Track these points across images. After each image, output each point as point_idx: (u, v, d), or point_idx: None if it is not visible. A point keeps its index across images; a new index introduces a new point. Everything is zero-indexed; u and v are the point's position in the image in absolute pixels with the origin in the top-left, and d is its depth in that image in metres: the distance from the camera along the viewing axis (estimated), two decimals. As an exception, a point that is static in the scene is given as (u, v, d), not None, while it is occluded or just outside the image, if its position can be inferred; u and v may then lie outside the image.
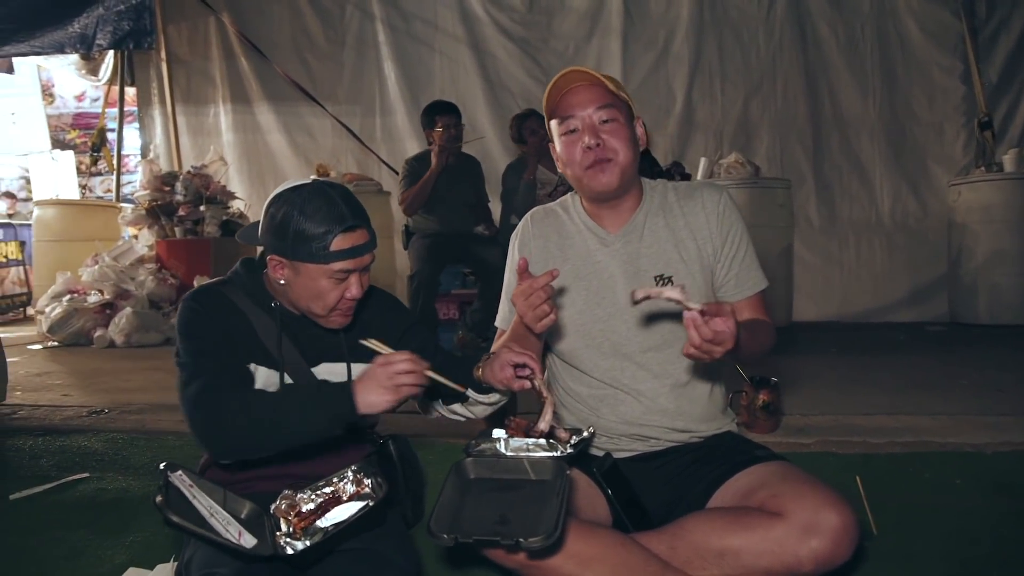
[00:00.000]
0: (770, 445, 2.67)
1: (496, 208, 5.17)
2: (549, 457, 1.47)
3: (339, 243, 1.48)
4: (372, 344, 1.58)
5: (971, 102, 6.42)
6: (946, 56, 6.48)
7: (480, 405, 1.72)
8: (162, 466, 1.44)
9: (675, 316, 1.62)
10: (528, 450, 1.49)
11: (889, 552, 1.88)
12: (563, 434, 1.53)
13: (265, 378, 1.59)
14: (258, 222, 1.59)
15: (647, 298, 1.45)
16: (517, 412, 2.75)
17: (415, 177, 4.68)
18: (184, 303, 1.58)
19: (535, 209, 1.94)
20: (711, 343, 1.41)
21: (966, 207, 6.00)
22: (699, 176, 6.31)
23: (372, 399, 1.41)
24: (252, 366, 1.58)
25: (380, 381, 1.41)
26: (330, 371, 1.66)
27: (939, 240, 6.38)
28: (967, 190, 6.00)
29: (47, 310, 6.03)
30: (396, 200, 5.06)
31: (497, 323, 1.94)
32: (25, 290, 8.04)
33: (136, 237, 6.96)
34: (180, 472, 1.45)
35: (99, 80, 8.39)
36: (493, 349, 1.74)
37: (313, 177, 6.23)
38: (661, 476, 1.73)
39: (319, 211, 1.47)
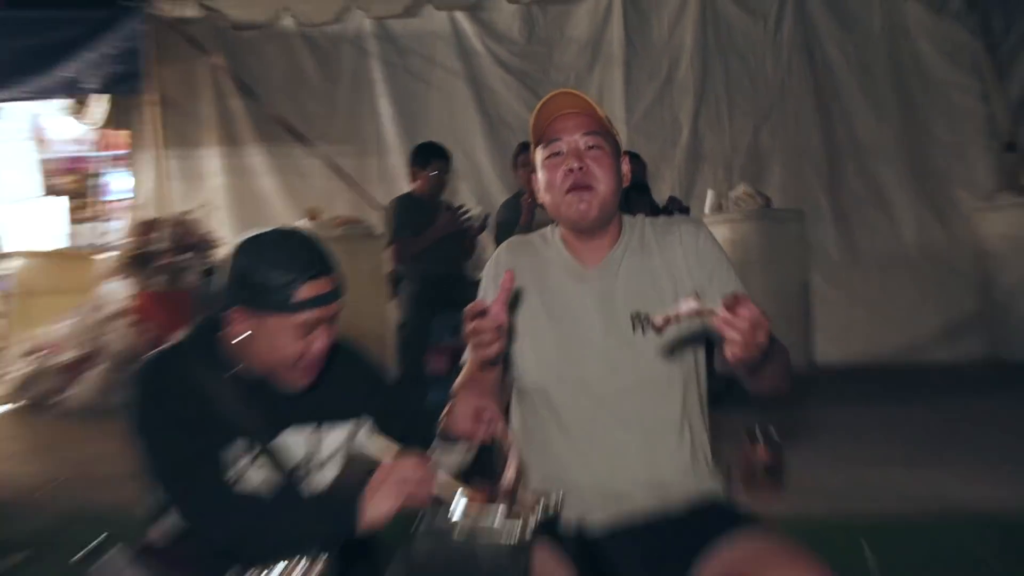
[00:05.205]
0: (772, 508, 2.46)
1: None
2: (505, 546, 1.30)
3: (305, 292, 1.40)
4: (375, 447, 1.52)
5: (993, 122, 6.18)
6: (963, 75, 6.26)
7: (453, 456, 1.65)
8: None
9: (649, 356, 1.62)
10: (483, 527, 1.31)
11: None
12: (528, 497, 1.38)
13: (231, 454, 1.47)
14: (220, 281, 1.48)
15: (668, 322, 1.35)
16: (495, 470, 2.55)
17: (411, 220, 4.64)
18: (136, 388, 1.45)
19: (512, 239, 1.93)
20: (752, 330, 1.29)
21: (995, 233, 5.73)
22: (706, 210, 6.05)
23: (376, 513, 1.32)
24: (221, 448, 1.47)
25: (384, 491, 1.33)
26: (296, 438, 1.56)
27: (969, 270, 6.06)
28: (994, 215, 5.74)
29: (13, 369, 5.88)
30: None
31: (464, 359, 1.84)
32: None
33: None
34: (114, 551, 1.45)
35: (92, 124, 8.29)
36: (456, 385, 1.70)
37: (304, 221, 6.12)
38: (637, 552, 1.60)
39: (282, 259, 1.41)
